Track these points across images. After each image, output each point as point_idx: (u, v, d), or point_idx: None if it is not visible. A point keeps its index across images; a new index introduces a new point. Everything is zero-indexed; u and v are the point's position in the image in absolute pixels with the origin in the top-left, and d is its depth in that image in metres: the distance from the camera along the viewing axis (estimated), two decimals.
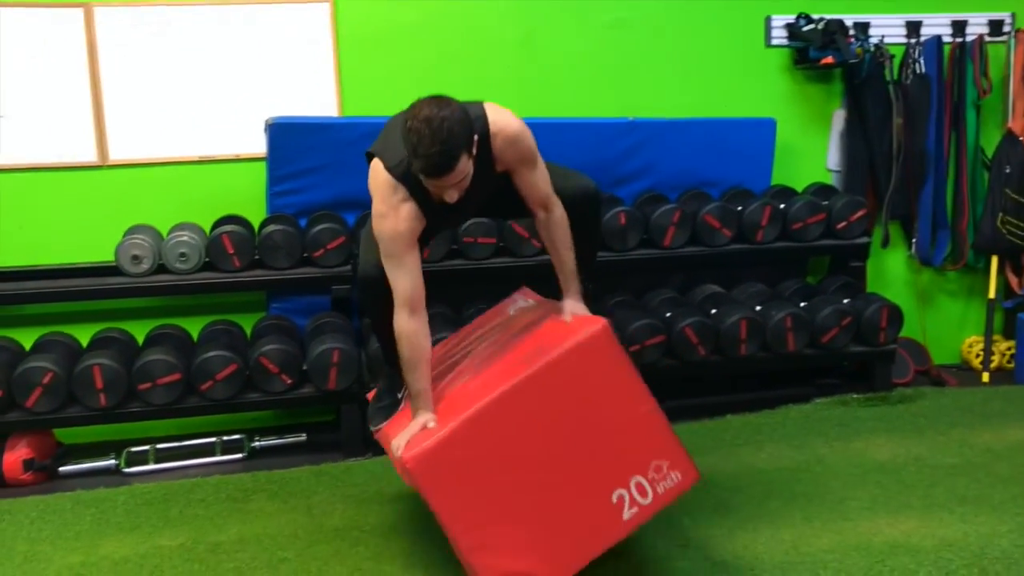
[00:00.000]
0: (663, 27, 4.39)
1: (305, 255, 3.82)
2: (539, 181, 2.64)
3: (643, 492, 2.46)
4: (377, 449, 3.66)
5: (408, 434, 2.44)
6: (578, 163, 4.16)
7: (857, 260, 4.38)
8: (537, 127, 4.07)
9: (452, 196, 2.37)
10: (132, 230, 3.84)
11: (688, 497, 3.08)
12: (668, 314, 3.96)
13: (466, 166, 2.35)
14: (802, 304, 4.09)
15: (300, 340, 3.84)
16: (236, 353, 3.61)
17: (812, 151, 4.61)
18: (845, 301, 4.10)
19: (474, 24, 4.23)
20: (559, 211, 2.68)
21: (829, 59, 4.31)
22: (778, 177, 4.50)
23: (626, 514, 2.43)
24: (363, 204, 4.02)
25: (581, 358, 2.45)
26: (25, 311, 3.92)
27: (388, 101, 4.13)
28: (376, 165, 2.49)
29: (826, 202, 4.25)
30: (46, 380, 3.43)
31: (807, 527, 2.88)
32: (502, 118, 2.55)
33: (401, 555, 2.78)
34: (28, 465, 3.54)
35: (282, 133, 3.87)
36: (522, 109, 4.21)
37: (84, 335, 3.87)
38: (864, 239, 4.29)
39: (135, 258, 3.72)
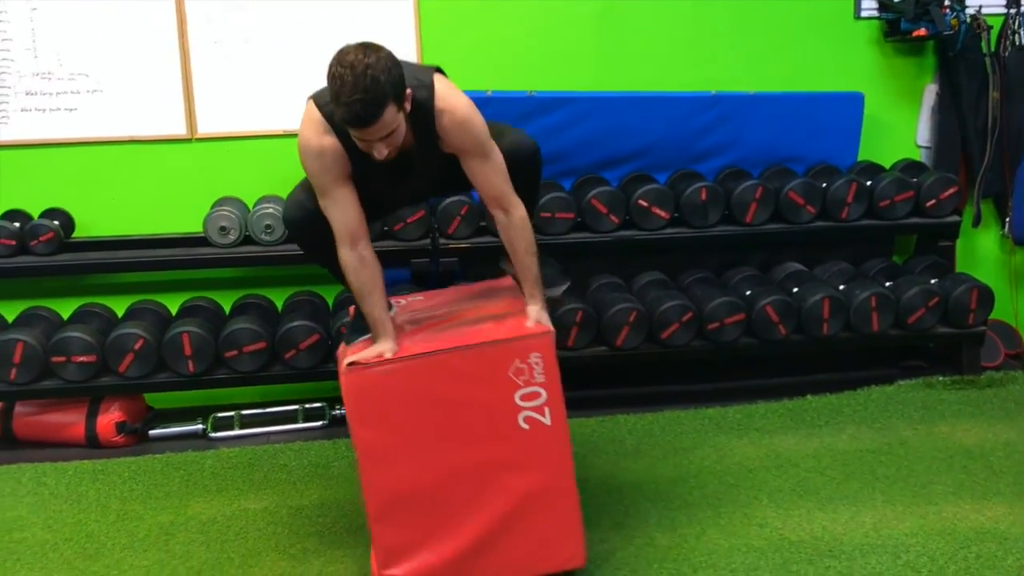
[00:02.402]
0: None
1: (385, 228, 3.86)
2: (493, 174, 2.47)
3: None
4: None
5: (362, 356, 2.41)
6: (659, 138, 4.18)
7: (946, 239, 4.25)
8: (616, 101, 4.12)
9: (381, 152, 2.24)
10: (219, 202, 3.93)
11: (766, 477, 3.09)
12: (748, 292, 3.91)
13: (394, 120, 2.21)
14: (887, 284, 3.98)
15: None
16: (319, 323, 3.68)
17: (901, 126, 4.47)
18: (933, 281, 3.99)
19: None
20: (519, 212, 2.51)
21: (922, 31, 4.16)
22: (865, 153, 4.39)
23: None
24: None
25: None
26: (118, 279, 4.06)
27: (467, 75, 4.14)
28: (309, 103, 2.40)
29: (915, 179, 4.13)
30: (137, 346, 3.56)
31: (889, 510, 2.83)
32: (451, 95, 2.40)
33: None
34: (120, 428, 3.68)
35: None
36: (601, 83, 4.23)
37: (173, 304, 3.99)
38: (954, 218, 4.15)
39: (222, 229, 3.82)
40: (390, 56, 2.20)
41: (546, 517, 2.42)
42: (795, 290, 3.93)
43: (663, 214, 3.94)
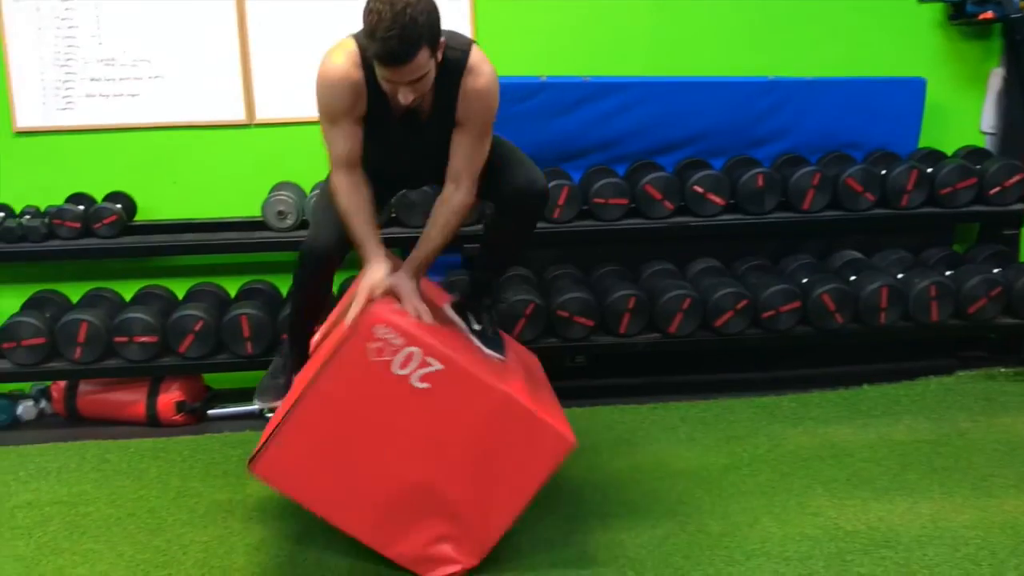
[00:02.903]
0: None
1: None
2: (474, 152, 2.43)
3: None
4: None
5: (367, 287, 2.38)
6: (714, 124, 4.14)
7: (1011, 228, 4.15)
8: (672, 87, 4.09)
9: (407, 96, 2.21)
10: (277, 187, 3.99)
11: (820, 466, 3.06)
12: (805, 280, 3.86)
13: (426, 64, 2.17)
14: (948, 273, 3.91)
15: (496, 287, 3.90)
16: None
17: (965, 112, 4.37)
18: (995, 271, 3.90)
19: None
20: (463, 196, 2.46)
21: (988, 14, 4.06)
22: (926, 140, 4.30)
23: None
24: None
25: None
26: (178, 262, 4.14)
27: (521, 60, 4.16)
28: (346, 38, 2.37)
29: (978, 166, 4.03)
30: (197, 328, 3.63)
31: (947, 502, 2.78)
32: (484, 62, 2.38)
33: (530, 506, 2.83)
34: (180, 407, 3.76)
35: None
36: (657, 68, 4.20)
37: (232, 286, 4.06)
38: (1019, 205, 4.05)
39: (280, 214, 3.87)
40: (431, 1, 2.17)
41: (512, 428, 2.40)
42: (852, 278, 3.88)
43: (719, 200, 3.91)
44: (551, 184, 3.85)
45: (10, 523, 2.86)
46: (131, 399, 3.78)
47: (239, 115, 4.12)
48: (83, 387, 3.84)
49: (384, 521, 2.42)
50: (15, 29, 3.99)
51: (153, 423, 3.75)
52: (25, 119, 4.05)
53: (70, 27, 4.01)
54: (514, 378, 2.57)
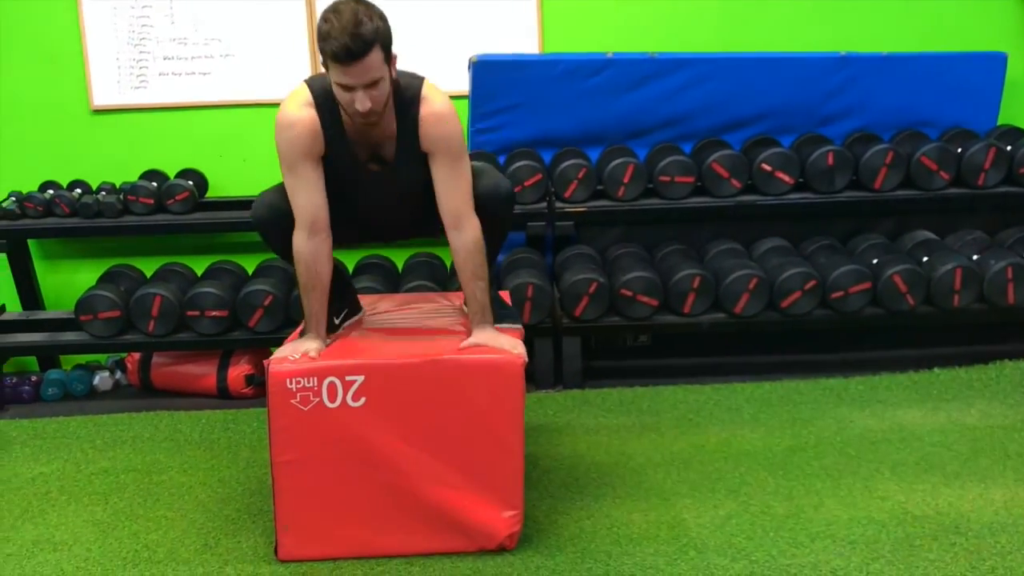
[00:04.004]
0: None
1: None
2: (456, 184, 2.42)
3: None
4: (569, 383, 3.74)
5: (290, 350, 2.44)
6: (784, 101, 4.07)
7: None
8: (740, 63, 4.04)
9: (363, 103, 2.23)
10: None
11: (888, 450, 3.00)
12: (875, 261, 3.78)
13: (380, 68, 2.22)
14: None
15: (497, 275, 3.94)
16: (437, 284, 3.75)
17: None
18: None
19: None
20: (472, 234, 2.44)
21: None
22: (1005, 117, 4.18)
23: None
24: (561, 142, 4.08)
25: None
26: (248, 238, 4.22)
27: (588, 37, 4.14)
28: (298, 85, 2.42)
29: None
30: (266, 302, 3.70)
31: (1021, 488, 2.71)
32: (436, 92, 2.42)
33: (592, 484, 2.84)
34: (249, 380, 3.85)
35: (485, 71, 3.94)
36: (723, 43, 4.14)
37: None
38: None
39: None
40: (381, 13, 2.26)
41: (459, 382, 2.40)
42: (925, 259, 3.78)
43: (787, 179, 3.85)
44: (617, 162, 3.84)
45: (88, 489, 2.97)
46: (202, 371, 3.88)
47: None
48: (156, 359, 3.95)
49: (419, 526, 2.43)
50: (92, 10, 4.09)
51: (223, 395, 3.85)
52: (101, 98, 4.16)
53: (144, 7, 4.10)
54: (444, 338, 2.57)
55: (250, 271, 4.07)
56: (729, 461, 2.98)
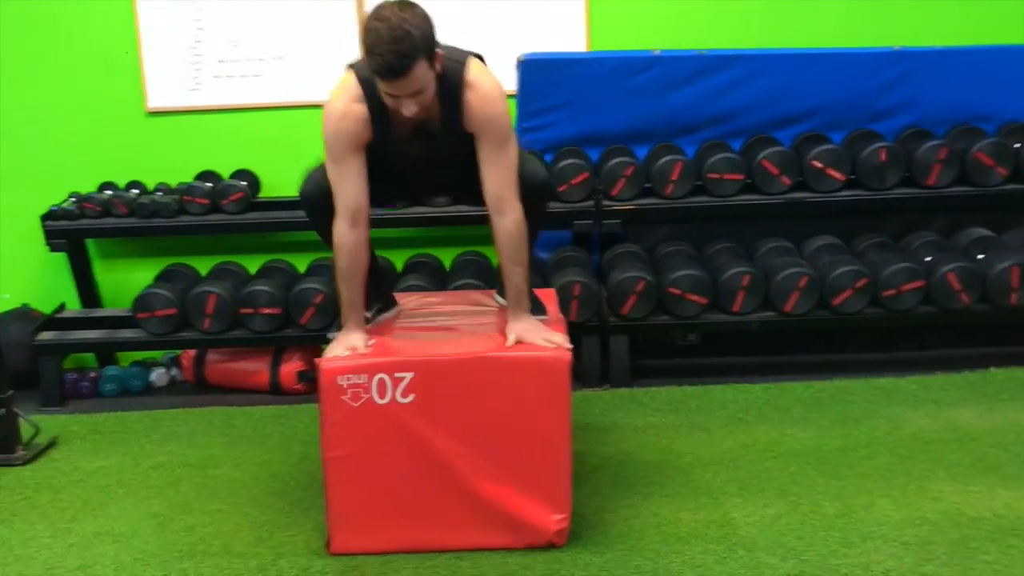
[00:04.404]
0: None
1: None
2: (502, 168, 2.42)
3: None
4: (616, 382, 3.74)
5: (339, 347, 2.47)
6: (834, 97, 4.02)
7: None
8: (789, 59, 4.00)
9: (410, 108, 2.26)
10: None
11: (942, 450, 2.96)
12: (929, 258, 3.72)
13: (424, 76, 2.24)
14: None
15: (543, 273, 3.95)
16: (484, 282, 3.77)
17: None
18: None
19: None
20: (514, 217, 2.44)
21: None
22: None
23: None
24: (608, 139, 4.07)
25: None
26: (300, 237, 4.27)
27: (636, 36, 4.13)
28: (347, 72, 2.43)
29: None
30: (317, 300, 3.75)
31: None
32: (482, 72, 2.41)
33: (640, 482, 2.84)
34: (301, 376, 3.90)
35: (532, 69, 3.95)
36: (773, 39, 4.10)
37: None
38: None
39: None
40: (424, 15, 2.26)
41: (508, 379, 2.43)
42: (980, 257, 3.72)
43: (838, 176, 3.80)
44: (665, 159, 3.83)
45: (144, 482, 3.04)
46: (255, 368, 3.94)
47: None
48: (211, 356, 4.03)
49: (468, 521, 2.45)
50: (148, 13, 4.18)
51: (275, 391, 3.91)
52: (157, 99, 4.25)
53: (199, 10, 4.18)
54: (489, 335, 2.59)
55: (302, 269, 4.13)
56: (779, 460, 2.96)
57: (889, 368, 3.71)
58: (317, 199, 2.54)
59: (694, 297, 3.66)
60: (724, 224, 4.09)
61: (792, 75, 4.01)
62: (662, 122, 4.05)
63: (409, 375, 2.41)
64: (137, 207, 4.01)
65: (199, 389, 4.04)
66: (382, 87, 2.27)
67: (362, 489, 2.46)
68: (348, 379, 2.40)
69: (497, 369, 2.43)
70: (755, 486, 2.78)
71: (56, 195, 4.12)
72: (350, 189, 2.44)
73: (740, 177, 3.83)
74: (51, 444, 3.38)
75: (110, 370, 4.11)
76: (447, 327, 2.71)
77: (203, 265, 4.19)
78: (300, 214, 4.01)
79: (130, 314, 3.87)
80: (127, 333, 3.93)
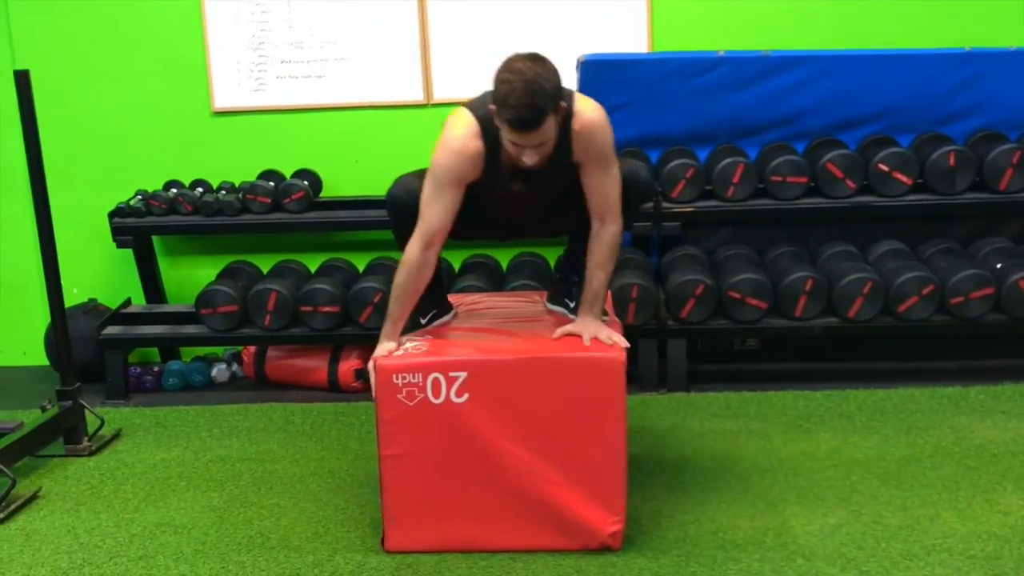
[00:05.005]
0: None
1: None
2: (607, 186, 2.51)
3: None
4: (673, 386, 3.70)
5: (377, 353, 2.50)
6: (902, 99, 3.94)
7: None
8: (857, 60, 3.93)
9: (531, 158, 2.32)
10: None
11: (1011, 463, 2.87)
12: (999, 265, 3.62)
13: (551, 128, 2.30)
14: None
15: None
16: (540, 283, 3.75)
17: None
18: None
19: None
20: (614, 229, 2.55)
21: None
22: None
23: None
24: (669, 141, 4.04)
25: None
26: (360, 236, 4.32)
27: (698, 36, 4.09)
28: (461, 109, 2.48)
29: None
30: (376, 299, 3.77)
31: None
32: (587, 103, 2.47)
33: (696, 488, 2.80)
34: (359, 375, 3.93)
35: (592, 71, 3.92)
36: (840, 40, 4.03)
37: None
38: None
39: None
40: (555, 69, 2.31)
41: (562, 379, 2.43)
42: None
43: (905, 179, 3.72)
44: (726, 161, 3.79)
45: (205, 476, 3.09)
46: (314, 365, 3.99)
47: (418, 95, 4.24)
48: (271, 352, 4.08)
49: (522, 522, 2.45)
50: (215, 16, 4.25)
51: (334, 388, 3.95)
52: (222, 100, 4.32)
53: (263, 12, 4.24)
54: (544, 336, 2.58)
55: (361, 269, 4.16)
56: (840, 469, 2.90)
57: (956, 377, 3.62)
58: (405, 204, 2.58)
59: (754, 301, 3.61)
60: (787, 228, 4.02)
61: (858, 77, 3.93)
62: (724, 124, 4.00)
63: (463, 375, 2.41)
64: (201, 205, 4.08)
65: (259, 385, 4.10)
66: (508, 136, 2.33)
67: (417, 487, 2.47)
68: (403, 378, 2.42)
69: (551, 369, 2.43)
70: (815, 495, 2.73)
71: (124, 193, 4.22)
72: (437, 214, 2.48)
73: (804, 180, 3.77)
74: (115, 436, 3.47)
75: (173, 365, 4.19)
76: (502, 328, 2.72)
77: (265, 263, 4.25)
78: (360, 213, 4.13)
79: (193, 310, 3.94)
80: (190, 329, 4.00)
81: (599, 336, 2.51)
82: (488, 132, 2.41)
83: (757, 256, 3.94)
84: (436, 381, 2.42)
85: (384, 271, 4.05)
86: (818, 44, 4.03)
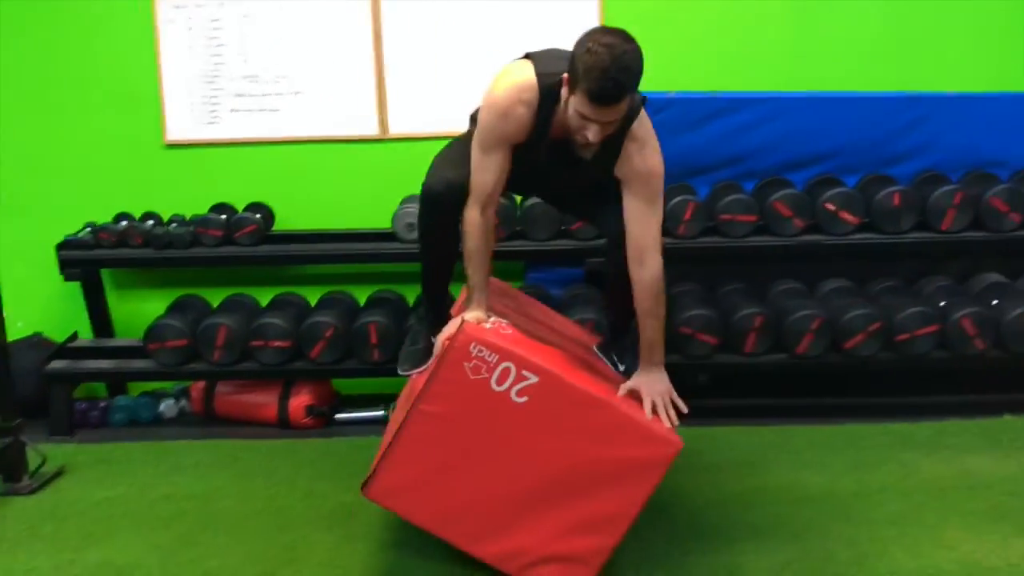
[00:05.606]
0: None
1: (563, 228, 3.90)
2: (649, 221, 2.44)
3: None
4: None
5: (457, 322, 2.46)
6: (850, 140, 4.03)
7: None
8: (805, 102, 4.01)
9: (595, 134, 2.24)
10: (408, 199, 4.07)
11: (956, 498, 2.92)
12: (943, 303, 3.70)
13: (623, 111, 2.24)
14: None
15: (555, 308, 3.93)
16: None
17: None
18: None
19: None
20: (655, 270, 2.47)
21: None
22: None
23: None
24: None
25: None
26: (312, 271, 4.29)
27: (649, 77, 4.11)
28: (524, 63, 2.41)
29: None
30: (328, 334, 3.75)
31: None
32: (649, 129, 2.45)
33: (646, 524, 2.80)
34: (309, 411, 3.89)
35: None
36: (792, 82, 4.11)
37: (362, 295, 4.17)
38: None
39: (409, 226, 3.96)
40: (641, 52, 2.23)
41: (615, 435, 2.40)
42: (995, 302, 3.69)
43: (852, 219, 3.79)
44: (677, 199, 3.84)
45: (150, 514, 3.02)
46: (264, 401, 3.93)
47: (373, 130, 4.25)
48: (220, 388, 4.02)
49: (498, 536, 2.43)
50: (169, 48, 4.23)
51: (284, 425, 3.90)
52: (175, 132, 4.29)
53: (218, 45, 4.23)
54: (608, 380, 2.58)
55: (313, 303, 4.13)
56: (790, 505, 2.93)
57: (902, 413, 3.68)
58: (444, 196, 2.53)
59: (705, 337, 3.64)
60: (736, 265, 4.08)
61: (807, 118, 4.02)
62: (675, 163, 4.01)
63: (535, 379, 2.37)
64: (152, 238, 4.03)
65: (208, 421, 4.03)
66: (581, 107, 2.23)
67: (431, 452, 2.42)
68: (480, 350, 2.37)
69: (611, 420, 2.41)
70: (766, 530, 2.75)
71: (72, 225, 4.16)
72: (489, 178, 2.46)
73: (753, 218, 3.83)
74: (58, 473, 3.38)
75: (120, 400, 4.11)
76: (575, 354, 2.69)
77: (216, 297, 4.20)
78: (313, 247, 4.11)
79: (141, 344, 3.88)
80: (138, 363, 3.94)
81: (659, 407, 2.45)
82: (547, 98, 2.34)
83: (708, 293, 3.99)
84: (506, 371, 2.37)
85: (337, 305, 4.03)
86: (768, 86, 4.12)
